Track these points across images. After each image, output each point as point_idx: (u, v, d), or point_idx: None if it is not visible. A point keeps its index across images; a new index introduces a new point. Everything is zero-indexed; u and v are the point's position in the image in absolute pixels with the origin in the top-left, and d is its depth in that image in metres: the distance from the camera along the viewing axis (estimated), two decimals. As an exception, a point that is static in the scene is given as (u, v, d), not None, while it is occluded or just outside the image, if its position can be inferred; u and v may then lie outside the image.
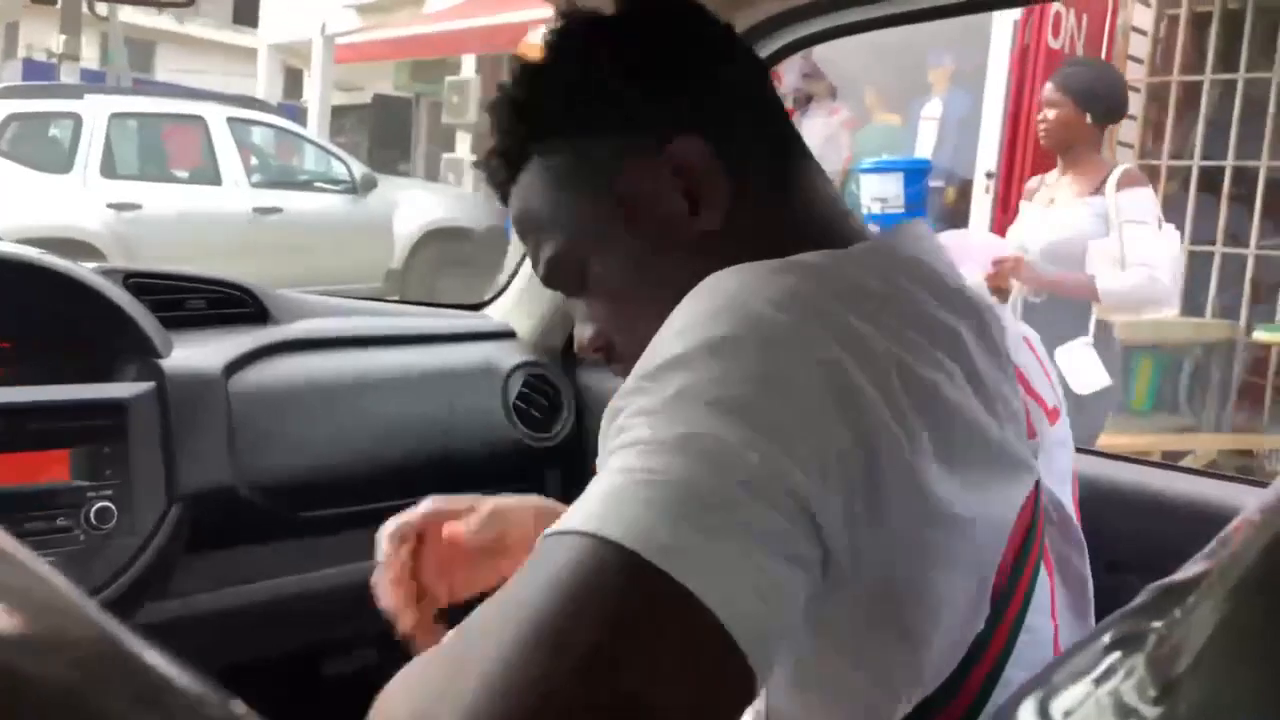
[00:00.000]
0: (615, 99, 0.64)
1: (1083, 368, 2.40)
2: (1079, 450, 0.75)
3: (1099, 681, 0.31)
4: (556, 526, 0.44)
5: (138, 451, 1.05)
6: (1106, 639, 0.33)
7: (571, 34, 0.68)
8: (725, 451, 0.43)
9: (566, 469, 1.43)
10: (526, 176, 0.68)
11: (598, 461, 0.47)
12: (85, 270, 1.10)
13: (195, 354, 1.13)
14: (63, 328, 1.07)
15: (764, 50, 1.14)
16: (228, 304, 1.23)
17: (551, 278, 0.69)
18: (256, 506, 1.14)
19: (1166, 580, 0.33)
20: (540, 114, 0.67)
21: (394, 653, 1.39)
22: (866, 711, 0.51)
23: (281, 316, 1.26)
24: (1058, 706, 0.32)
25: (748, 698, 0.41)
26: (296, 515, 1.19)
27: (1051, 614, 0.57)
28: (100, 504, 1.02)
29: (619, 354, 0.68)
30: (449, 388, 1.34)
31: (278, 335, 1.23)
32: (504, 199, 0.72)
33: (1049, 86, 2.56)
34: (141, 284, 1.17)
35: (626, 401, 0.48)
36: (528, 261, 1.48)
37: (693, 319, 0.49)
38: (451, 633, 0.48)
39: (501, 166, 0.70)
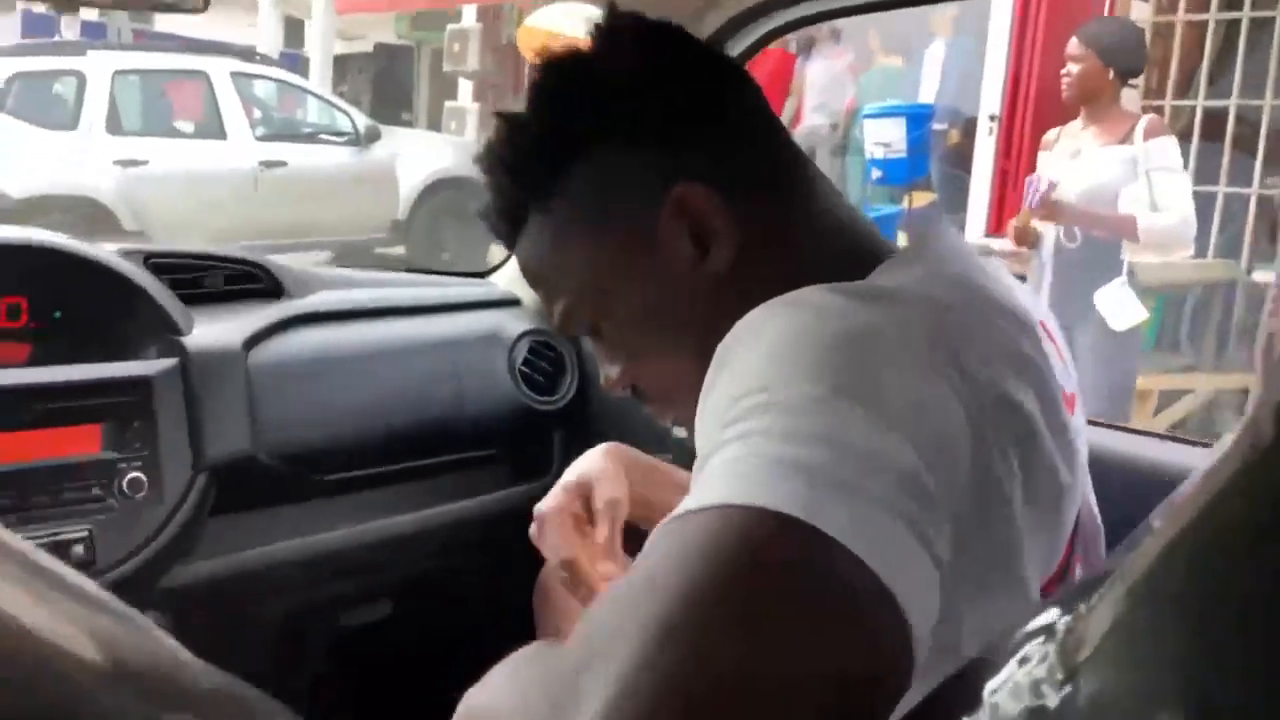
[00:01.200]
0: (607, 151, 0.63)
1: (1122, 306, 2.59)
2: None
3: (1022, 662, 0.32)
4: (681, 509, 0.41)
5: (164, 424, 1.11)
6: (1040, 622, 0.33)
7: (557, 83, 0.65)
8: (854, 439, 0.41)
9: (570, 431, 1.49)
10: (529, 232, 0.67)
11: (693, 473, 0.47)
12: (108, 253, 1.15)
13: (215, 330, 1.19)
14: (90, 309, 1.12)
15: (743, 41, 1.18)
16: (244, 280, 1.29)
17: (566, 327, 0.69)
18: (276, 472, 1.20)
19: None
20: (531, 175, 0.66)
21: (408, 604, 1.47)
22: None
23: (295, 291, 1.32)
24: (988, 683, 0.33)
25: (908, 660, 0.39)
26: (314, 478, 1.25)
27: None
28: (131, 474, 1.08)
29: (646, 394, 0.69)
30: (457, 355, 1.40)
31: (293, 309, 1.28)
32: (510, 249, 0.72)
33: (1073, 42, 2.66)
34: (161, 264, 1.22)
35: (729, 414, 0.45)
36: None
37: (781, 344, 0.47)
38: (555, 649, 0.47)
39: (502, 224, 0.70)
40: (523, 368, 1.44)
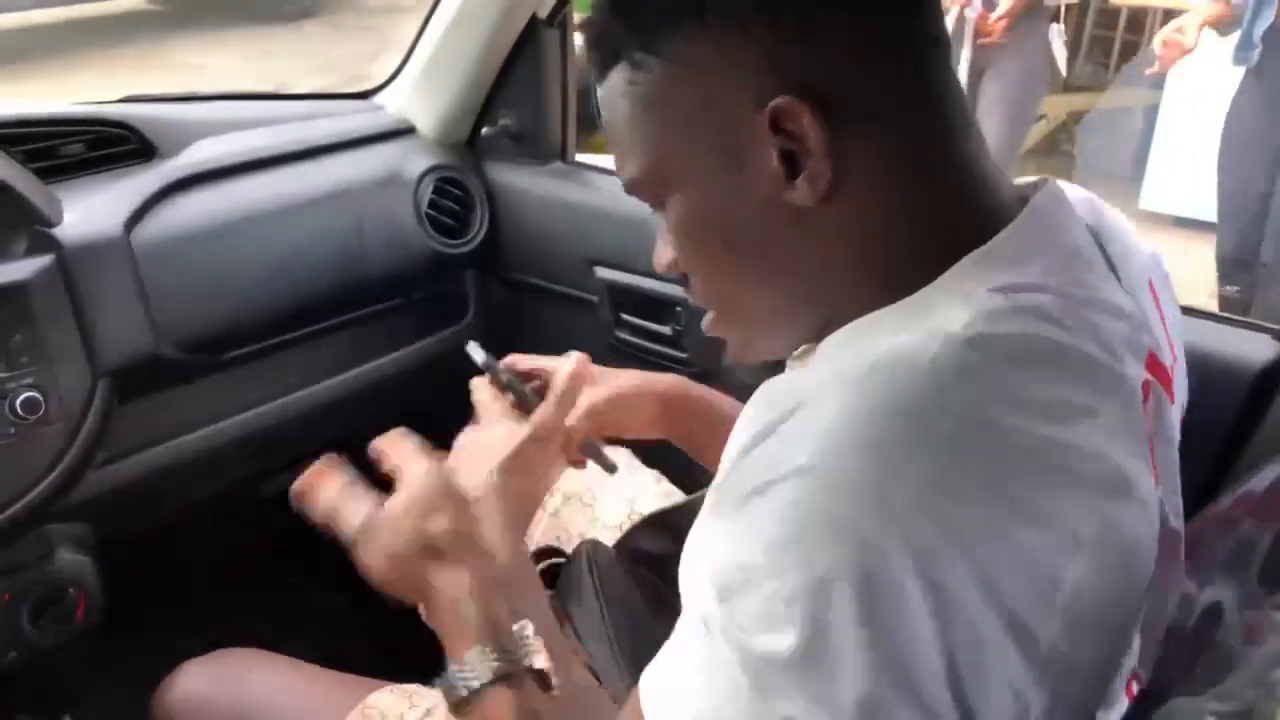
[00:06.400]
0: (722, 29, 0.54)
1: None
2: None
3: None
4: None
5: (51, 333, 0.98)
6: None
7: None
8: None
9: (483, 268, 1.41)
10: (614, 80, 0.59)
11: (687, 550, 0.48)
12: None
13: (89, 214, 1.03)
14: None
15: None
16: (108, 143, 1.11)
17: (630, 192, 0.62)
18: (180, 361, 1.10)
19: None
20: (634, 14, 0.57)
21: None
22: None
23: (166, 148, 1.15)
24: None
25: None
26: (222, 358, 1.15)
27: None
28: (25, 394, 0.96)
29: (694, 288, 0.63)
30: (356, 203, 1.27)
31: (169, 174, 1.12)
32: (598, 82, 0.61)
33: None
34: (9, 134, 1.03)
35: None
36: (424, 40, 1.36)
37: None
38: None
39: (593, 53, 0.60)
40: (429, 210, 1.33)
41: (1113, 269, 0.58)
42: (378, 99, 1.42)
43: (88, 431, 1.02)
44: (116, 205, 1.06)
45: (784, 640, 0.44)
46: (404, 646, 0.85)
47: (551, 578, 0.92)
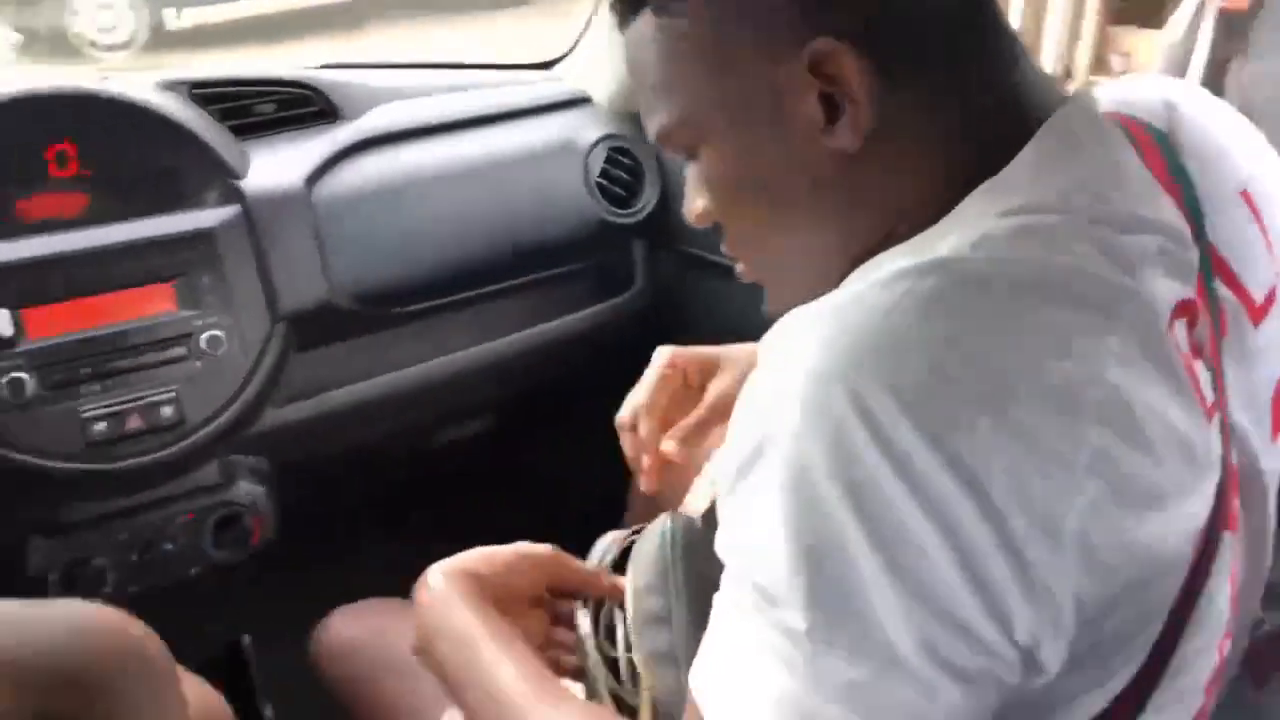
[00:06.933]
0: None
1: None
2: None
3: None
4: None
5: (234, 278, 1.07)
6: None
7: None
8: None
9: (652, 239, 1.41)
10: (640, 27, 0.57)
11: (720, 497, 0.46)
12: (152, 91, 1.07)
13: (274, 168, 1.11)
14: (139, 155, 1.05)
15: None
16: (296, 104, 1.19)
17: (660, 142, 0.61)
18: (354, 313, 1.16)
19: None
20: None
21: (500, 420, 1.47)
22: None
23: (349, 111, 1.22)
24: None
25: None
26: (393, 312, 1.21)
27: (1231, 577, 0.53)
28: (208, 332, 1.05)
29: (728, 239, 0.62)
30: (529, 169, 1.31)
31: (351, 134, 1.19)
32: (621, 30, 0.61)
33: None
34: (207, 94, 1.13)
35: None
36: (600, 13, 1.39)
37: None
38: None
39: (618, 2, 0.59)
40: (599, 179, 1.35)
41: (1178, 180, 0.52)
42: (558, 69, 1.46)
43: (265, 371, 1.09)
44: (300, 162, 1.14)
45: (806, 601, 0.42)
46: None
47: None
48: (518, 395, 1.42)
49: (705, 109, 0.56)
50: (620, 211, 1.36)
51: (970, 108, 0.52)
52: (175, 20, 5.55)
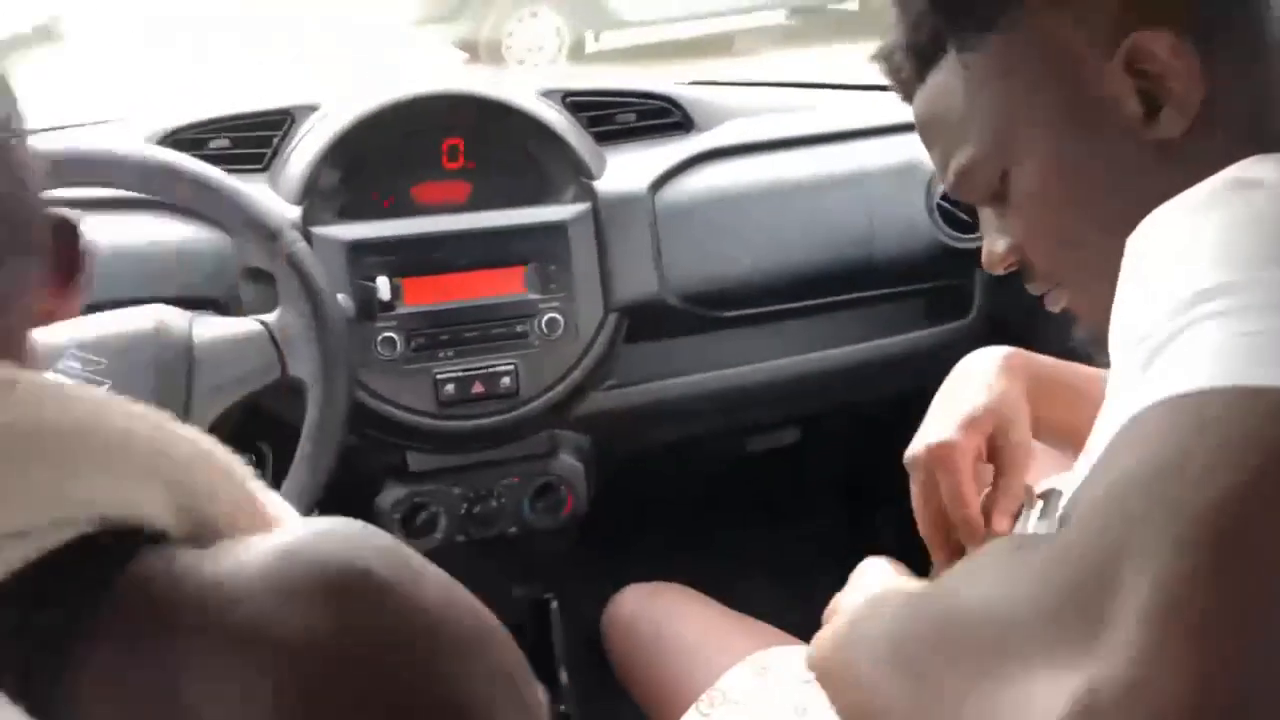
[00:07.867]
0: None
1: None
2: None
3: None
4: (1165, 393, 0.38)
5: (578, 266, 1.17)
6: None
7: None
8: None
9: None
10: (938, 76, 0.59)
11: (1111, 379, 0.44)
12: (530, 98, 1.20)
13: (625, 172, 1.21)
14: (514, 153, 1.19)
15: None
16: (655, 115, 1.29)
17: (962, 188, 0.60)
18: (682, 312, 1.23)
19: None
20: (962, 6, 0.57)
21: (813, 435, 1.49)
22: None
23: (703, 123, 1.29)
24: None
25: None
26: (719, 315, 1.27)
27: None
28: (549, 314, 1.16)
29: (1037, 273, 0.61)
30: (869, 189, 1.31)
31: (698, 146, 1.26)
32: (907, 98, 0.63)
33: None
34: (579, 103, 1.25)
35: (1177, 303, 0.41)
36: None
37: (1235, 229, 0.42)
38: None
39: (908, 63, 0.61)
40: (942, 201, 1.32)
41: None
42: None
43: (595, 356, 1.19)
44: (648, 168, 1.22)
45: None
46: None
47: None
48: (839, 408, 1.43)
49: (1016, 129, 0.57)
50: (963, 236, 1.33)
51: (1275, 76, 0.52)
52: (594, 43, 6.20)
